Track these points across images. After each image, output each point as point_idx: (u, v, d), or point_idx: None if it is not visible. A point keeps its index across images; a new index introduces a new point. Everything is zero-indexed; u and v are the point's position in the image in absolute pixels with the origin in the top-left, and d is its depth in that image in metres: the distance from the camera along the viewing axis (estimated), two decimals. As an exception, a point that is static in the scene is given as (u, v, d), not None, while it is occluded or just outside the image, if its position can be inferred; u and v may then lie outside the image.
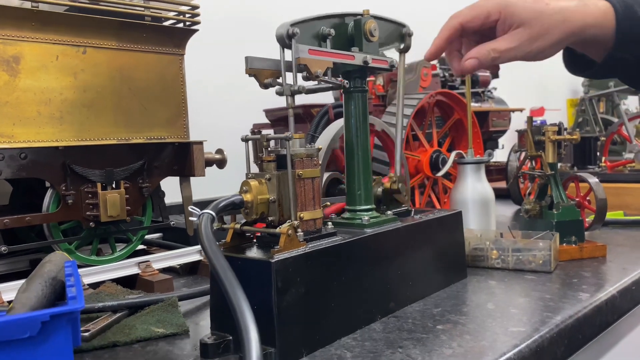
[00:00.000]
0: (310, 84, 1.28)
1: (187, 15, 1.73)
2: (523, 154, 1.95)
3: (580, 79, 5.64)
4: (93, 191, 1.57)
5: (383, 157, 2.11)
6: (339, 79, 1.30)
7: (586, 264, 1.77)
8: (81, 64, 1.53)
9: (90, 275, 1.62)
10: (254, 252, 1.15)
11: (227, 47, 2.75)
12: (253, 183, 1.15)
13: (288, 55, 1.20)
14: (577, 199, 2.01)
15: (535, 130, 1.90)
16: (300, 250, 1.12)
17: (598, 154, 3.07)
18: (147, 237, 1.90)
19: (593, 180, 1.96)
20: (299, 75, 1.25)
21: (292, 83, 1.19)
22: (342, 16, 1.38)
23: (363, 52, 1.36)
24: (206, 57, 2.58)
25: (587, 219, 2.05)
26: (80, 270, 1.61)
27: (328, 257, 1.18)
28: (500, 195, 3.24)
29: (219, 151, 1.89)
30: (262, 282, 1.07)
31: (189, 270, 1.89)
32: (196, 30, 1.75)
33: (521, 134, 1.93)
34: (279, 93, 1.20)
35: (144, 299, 1.41)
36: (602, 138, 2.91)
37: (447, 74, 2.92)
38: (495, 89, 3.25)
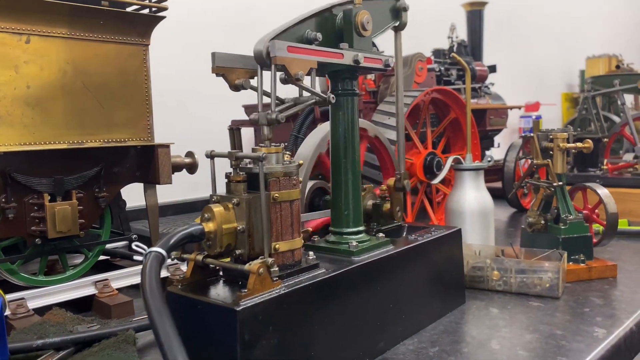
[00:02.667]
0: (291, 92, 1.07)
1: (153, 0, 1.51)
2: (527, 162, 1.75)
3: (576, 73, 5.48)
4: (39, 203, 1.36)
5: (373, 161, 1.92)
6: (325, 92, 1.08)
7: (596, 287, 1.60)
8: (24, 55, 1.31)
9: (37, 298, 1.42)
10: (217, 293, 0.95)
11: (198, 33, 2.52)
12: (217, 209, 0.94)
13: (268, 78, 0.99)
14: (585, 212, 1.83)
15: (542, 136, 1.71)
16: (274, 292, 0.92)
17: (600, 154, 2.90)
18: (110, 246, 1.69)
19: (603, 192, 1.78)
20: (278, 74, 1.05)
21: (271, 110, 0.98)
22: (328, 9, 1.17)
23: (354, 49, 1.15)
24: (174, 45, 2.35)
25: (594, 233, 1.88)
26: (26, 292, 1.40)
27: (308, 297, 0.99)
28: (495, 195, 3.08)
29: (189, 154, 1.68)
30: (226, 334, 0.87)
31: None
32: (163, 18, 1.53)
33: (527, 139, 1.75)
34: (254, 121, 0.99)
35: (94, 333, 1.21)
36: (605, 140, 2.74)
37: (442, 68, 2.73)
38: (492, 84, 3.06)
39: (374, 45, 2.48)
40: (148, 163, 1.56)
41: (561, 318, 1.36)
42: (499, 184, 3.07)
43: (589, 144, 1.65)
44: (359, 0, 1.16)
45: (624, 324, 1.31)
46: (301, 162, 1.07)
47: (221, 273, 1.03)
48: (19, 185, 1.33)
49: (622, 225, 2.40)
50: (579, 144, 1.65)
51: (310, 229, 1.13)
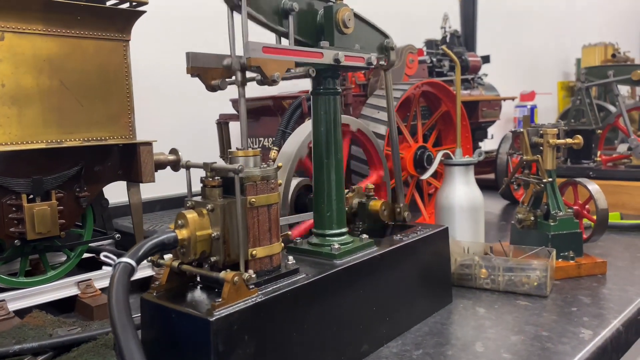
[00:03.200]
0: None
1: (133, -6, 1.47)
2: (518, 157, 1.73)
3: (572, 61, 5.44)
4: (17, 204, 1.33)
5: (361, 155, 1.89)
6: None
7: (584, 285, 1.58)
8: (-2, 52, 1.28)
9: (18, 300, 1.39)
10: (192, 302, 0.93)
11: (181, 22, 2.47)
12: (191, 216, 0.92)
13: (238, 20, 0.96)
14: (575, 207, 1.81)
15: (532, 131, 1.69)
16: (249, 300, 0.90)
17: (593, 145, 2.87)
18: (95, 245, 1.66)
19: (594, 187, 1.76)
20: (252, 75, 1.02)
21: (242, 55, 0.95)
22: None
23: (334, 46, 1.12)
24: (156, 36, 2.30)
25: (584, 228, 1.86)
26: (6, 294, 1.38)
27: (286, 304, 0.97)
28: (487, 187, 3.06)
29: (173, 151, 1.65)
30: (200, 345, 0.85)
31: (140, 286, 1.66)
32: (143, 12, 1.49)
33: (516, 135, 1.72)
34: (227, 67, 0.96)
35: (73, 337, 1.19)
36: (599, 131, 2.72)
37: (434, 59, 2.69)
38: (485, 75, 3.02)
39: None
40: (130, 161, 1.53)
41: (548, 318, 1.34)
42: (492, 176, 3.05)
43: (579, 139, 1.62)
44: (340, -4, 1.13)
45: (610, 324, 1.30)
46: (280, 164, 1.04)
47: (198, 278, 1.01)
48: (-5, 186, 1.30)
49: (615, 218, 2.38)
50: (568, 140, 1.62)
51: (290, 232, 1.10)
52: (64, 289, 1.47)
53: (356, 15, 1.16)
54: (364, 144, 1.76)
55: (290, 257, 1.04)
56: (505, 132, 4.38)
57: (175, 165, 1.66)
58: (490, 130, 3.14)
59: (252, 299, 0.90)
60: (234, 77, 1.02)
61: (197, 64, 1.00)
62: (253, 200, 0.95)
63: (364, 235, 1.24)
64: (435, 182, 2.36)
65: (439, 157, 1.89)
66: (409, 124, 2.27)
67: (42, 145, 1.34)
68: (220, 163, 0.96)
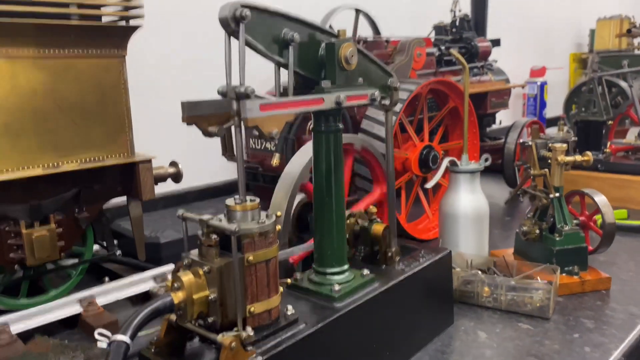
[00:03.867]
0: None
1: (128, 9, 1.41)
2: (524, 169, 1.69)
3: (586, 32, 5.27)
4: (15, 230, 1.32)
5: (366, 174, 1.85)
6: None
7: (588, 303, 1.57)
8: (-11, 79, 1.24)
9: (21, 321, 1.40)
10: (190, 362, 0.92)
11: (178, 18, 2.39)
12: (186, 278, 0.90)
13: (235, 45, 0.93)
14: (582, 218, 1.78)
15: (540, 144, 1.64)
16: (247, 363, 0.90)
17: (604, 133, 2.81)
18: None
19: (601, 199, 1.72)
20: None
21: (240, 84, 0.91)
22: (313, 27, 1.08)
23: (336, 85, 1.07)
24: (154, 35, 2.22)
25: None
26: (8, 316, 1.39)
27: (286, 359, 0.96)
28: (494, 170, 3.01)
29: (173, 164, 1.62)
30: (197, 413, 0.85)
31: (143, 297, 1.67)
32: (138, 27, 1.43)
33: (524, 147, 1.67)
34: (222, 94, 0.93)
35: (75, 370, 1.20)
36: (609, 122, 2.65)
37: (443, 48, 2.60)
38: (495, 61, 2.93)
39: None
40: (130, 177, 1.50)
41: (550, 347, 1.34)
42: (498, 160, 3.00)
43: (589, 157, 1.57)
44: (343, 32, 1.07)
45: (612, 356, 1.29)
46: (279, 213, 1.01)
47: (197, 338, 1.00)
48: (-7, 214, 1.29)
49: (621, 215, 2.36)
50: (578, 157, 1.58)
51: (289, 280, 1.09)
52: (66, 307, 1.48)
53: (360, 51, 1.10)
54: (368, 161, 1.72)
55: (290, 307, 1.03)
56: (515, 109, 4.32)
57: (176, 177, 1.64)
58: (498, 117, 3.07)
59: (250, 362, 0.90)
60: (231, 122, 0.99)
61: (193, 112, 0.97)
62: (251, 258, 0.93)
63: (365, 271, 1.22)
64: (441, 180, 2.32)
65: (444, 164, 1.85)
66: (416, 118, 2.22)
67: (39, 171, 1.32)
68: (217, 220, 0.94)
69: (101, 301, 1.53)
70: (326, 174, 1.14)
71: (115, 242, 1.73)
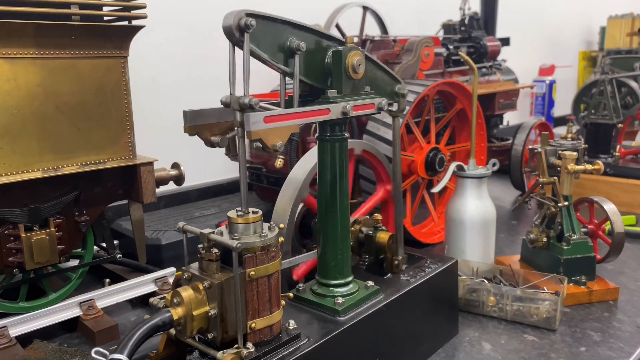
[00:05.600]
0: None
1: (130, 9, 1.38)
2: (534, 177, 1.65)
3: (596, 29, 5.20)
4: (15, 234, 1.30)
5: (369, 176, 1.82)
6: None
7: (595, 314, 1.54)
8: (-12, 81, 1.21)
9: (20, 325, 1.38)
10: (189, 379, 0.90)
11: (182, 17, 2.35)
12: (186, 294, 0.88)
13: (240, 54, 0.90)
14: (591, 227, 1.74)
15: (550, 152, 1.61)
16: (247, 382, 0.87)
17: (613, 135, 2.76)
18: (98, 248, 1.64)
19: (610, 207, 1.69)
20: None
21: (244, 94, 0.89)
22: (319, 35, 1.05)
23: (342, 94, 1.04)
24: (156, 32, 2.19)
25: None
26: (7, 320, 1.37)
27: (286, 377, 0.94)
28: (501, 172, 2.97)
29: (175, 166, 1.60)
30: None
31: (144, 300, 1.65)
32: (141, 27, 1.40)
33: (533, 153, 1.64)
34: (226, 105, 0.90)
35: (73, 378, 1.18)
36: (620, 125, 2.61)
37: (451, 47, 2.56)
38: (504, 61, 2.89)
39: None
40: (131, 180, 1.48)
41: (556, 360, 1.31)
42: (505, 162, 2.97)
43: (599, 166, 1.54)
44: (350, 39, 1.04)
45: (620, 373, 1.27)
46: (282, 225, 0.99)
47: (195, 353, 0.98)
48: (-8, 217, 1.27)
49: (630, 221, 2.32)
50: (588, 166, 1.54)
51: (292, 295, 1.06)
52: (66, 310, 1.46)
53: (367, 58, 1.07)
54: (370, 162, 1.69)
55: (292, 322, 1.00)
56: (523, 109, 4.26)
57: (178, 179, 1.61)
58: (506, 117, 3.03)
59: (250, 381, 0.88)
60: (233, 132, 0.96)
61: (195, 122, 0.94)
62: (252, 273, 0.91)
63: (370, 282, 1.19)
64: (448, 183, 2.29)
65: (451, 169, 1.82)
66: (422, 120, 2.18)
67: (39, 174, 1.30)
68: (218, 234, 0.91)
69: (101, 304, 1.52)
70: (331, 184, 1.11)
71: (116, 243, 1.72)
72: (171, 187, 2.29)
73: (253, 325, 0.92)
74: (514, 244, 2.12)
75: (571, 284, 1.62)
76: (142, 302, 1.64)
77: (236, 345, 0.89)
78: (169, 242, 1.81)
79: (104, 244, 1.60)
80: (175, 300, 0.88)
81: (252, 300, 0.92)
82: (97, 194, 1.44)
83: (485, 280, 1.59)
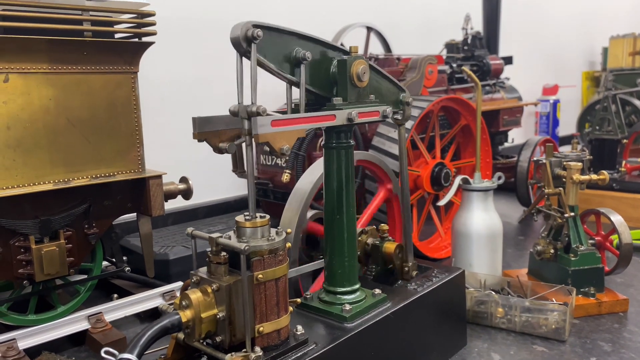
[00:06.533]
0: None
1: (140, 26, 1.42)
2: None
3: (598, 50, 5.24)
4: (25, 245, 1.32)
5: (370, 181, 1.84)
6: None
7: (605, 326, 1.53)
8: (2, 95, 1.24)
9: (29, 337, 1.39)
10: (197, 383, 0.90)
11: (189, 34, 2.40)
12: (195, 296, 0.89)
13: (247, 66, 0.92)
14: (598, 238, 1.74)
15: (555, 163, 1.62)
16: (255, 386, 0.87)
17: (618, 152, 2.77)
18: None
19: (617, 219, 1.69)
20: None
21: (252, 102, 0.91)
22: (324, 45, 1.08)
23: (347, 102, 1.06)
24: (165, 49, 2.24)
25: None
26: (16, 332, 1.38)
27: (294, 381, 0.94)
28: (507, 189, 2.98)
29: (183, 180, 1.62)
30: None
31: (152, 314, 1.65)
32: (151, 44, 1.44)
33: (538, 165, 1.65)
34: (233, 113, 0.92)
35: (81, 389, 1.18)
36: (624, 141, 2.61)
37: (454, 65, 2.59)
38: (508, 79, 2.92)
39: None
40: (140, 194, 1.50)
41: (566, 371, 1.30)
42: (511, 179, 2.97)
43: (605, 176, 1.55)
44: (355, 48, 1.06)
45: (631, 381, 1.25)
46: (289, 230, 1.00)
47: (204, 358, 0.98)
48: (2, 229, 1.29)
49: (637, 236, 2.31)
50: (593, 176, 1.55)
51: (299, 301, 1.07)
52: (74, 323, 1.47)
53: (371, 67, 1.09)
54: (369, 168, 1.71)
55: (299, 327, 1.00)
56: (527, 128, 4.28)
57: (186, 193, 1.63)
58: (511, 135, 3.05)
59: (258, 385, 0.88)
60: (241, 139, 0.98)
61: (204, 128, 0.96)
62: (260, 276, 0.91)
63: (377, 291, 1.20)
64: (453, 198, 2.30)
65: (457, 182, 1.83)
66: (427, 136, 2.20)
67: (50, 187, 1.32)
68: (226, 239, 0.92)
69: (109, 318, 1.52)
70: (337, 191, 1.12)
71: (125, 258, 1.73)
72: (179, 204, 2.32)
73: (261, 329, 0.93)
74: (522, 259, 2.11)
75: (580, 296, 1.61)
76: (150, 316, 1.64)
77: (244, 349, 0.89)
78: (176, 257, 1.82)
79: (113, 259, 1.61)
80: (184, 303, 0.89)
81: (260, 304, 0.92)
82: (107, 207, 1.46)
83: (493, 293, 1.58)
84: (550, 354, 1.38)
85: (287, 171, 1.83)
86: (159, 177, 1.49)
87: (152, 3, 1.44)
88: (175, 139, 2.21)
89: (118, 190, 1.47)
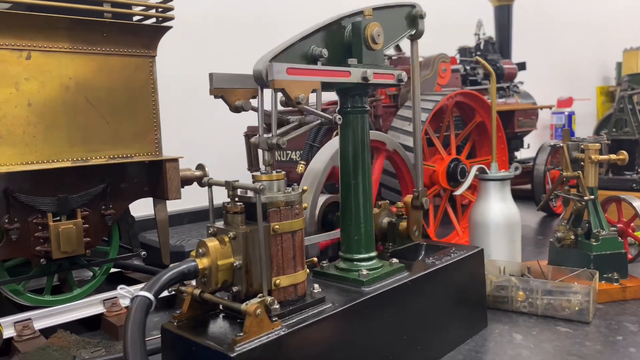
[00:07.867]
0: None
1: (159, 10, 1.46)
2: (557, 171, 1.64)
3: (612, 65, 5.24)
4: (43, 223, 1.33)
5: (394, 185, 1.83)
6: (330, 111, 1.01)
7: (630, 309, 1.48)
8: (25, 71, 1.27)
9: (44, 318, 1.39)
10: (213, 333, 0.89)
11: (207, 32, 2.45)
12: (212, 244, 0.88)
13: (268, 99, 0.93)
14: (619, 225, 1.71)
15: (572, 146, 1.60)
16: (272, 333, 0.86)
17: (637, 155, 2.73)
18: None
19: (639, 204, 1.66)
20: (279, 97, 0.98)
21: (271, 134, 0.92)
22: (337, 22, 1.08)
23: (363, 63, 1.07)
24: (182, 46, 2.28)
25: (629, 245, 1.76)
26: (32, 312, 1.37)
27: (311, 336, 0.92)
28: (524, 197, 2.96)
29: (200, 167, 1.63)
30: (219, 382, 0.81)
31: (167, 303, 1.64)
32: (169, 28, 1.47)
33: (556, 149, 1.63)
34: (255, 145, 0.93)
35: (96, 361, 1.17)
36: (643, 141, 2.58)
37: (468, 68, 2.60)
38: (521, 83, 2.92)
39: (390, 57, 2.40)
40: (156, 177, 1.51)
41: (592, 348, 1.26)
42: (528, 186, 2.94)
43: (624, 155, 1.53)
44: (368, 11, 1.08)
45: (661, 356, 1.21)
46: (305, 187, 0.99)
47: (220, 309, 0.97)
48: (22, 205, 1.30)
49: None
50: (612, 156, 1.53)
51: (315, 259, 1.06)
52: (90, 307, 1.46)
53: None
54: (397, 166, 1.70)
55: (316, 285, 0.99)
56: (543, 139, 4.25)
57: (202, 180, 1.64)
58: (527, 140, 3.03)
59: (275, 332, 0.86)
60: (257, 98, 0.99)
61: (220, 85, 0.97)
62: (277, 227, 0.91)
63: (394, 260, 1.18)
64: (469, 195, 2.28)
65: (473, 171, 1.82)
66: (442, 135, 2.20)
67: (68, 164, 1.33)
68: (243, 181, 0.92)
69: (124, 302, 1.51)
70: (353, 156, 1.12)
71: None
72: (195, 204, 2.33)
73: (277, 281, 0.91)
74: (541, 255, 2.07)
75: (603, 282, 1.57)
76: (166, 303, 1.63)
77: (260, 294, 0.88)
78: (192, 249, 1.81)
79: (127, 253, 1.61)
80: (200, 251, 0.88)
81: (277, 256, 0.92)
82: (124, 189, 1.47)
83: (513, 278, 1.55)
84: (575, 334, 1.34)
85: (302, 162, 1.83)
86: (176, 160, 1.50)
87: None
88: (192, 137, 2.24)
89: (135, 172, 1.49)
